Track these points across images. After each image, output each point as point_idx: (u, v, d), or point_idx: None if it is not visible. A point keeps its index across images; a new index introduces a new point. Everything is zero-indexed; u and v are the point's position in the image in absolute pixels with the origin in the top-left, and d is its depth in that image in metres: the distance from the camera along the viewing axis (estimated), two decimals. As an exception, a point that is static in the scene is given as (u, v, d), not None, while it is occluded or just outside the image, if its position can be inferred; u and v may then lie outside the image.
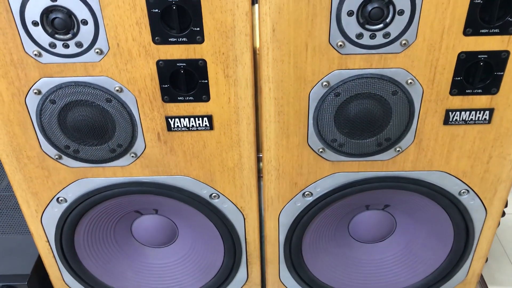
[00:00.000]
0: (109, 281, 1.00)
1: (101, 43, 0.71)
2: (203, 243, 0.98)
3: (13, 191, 0.89)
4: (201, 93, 0.76)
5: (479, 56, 0.72)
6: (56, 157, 0.82)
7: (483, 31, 0.69)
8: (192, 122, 0.79)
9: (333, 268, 1.01)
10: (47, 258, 0.97)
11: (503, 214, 0.94)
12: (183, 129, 0.79)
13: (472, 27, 0.69)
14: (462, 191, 0.86)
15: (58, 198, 0.87)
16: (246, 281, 1.01)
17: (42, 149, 0.81)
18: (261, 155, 0.85)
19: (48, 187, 0.86)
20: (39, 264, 1.02)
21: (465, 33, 0.70)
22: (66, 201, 0.87)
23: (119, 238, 0.99)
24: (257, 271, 1.00)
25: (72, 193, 0.87)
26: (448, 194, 0.86)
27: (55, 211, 0.89)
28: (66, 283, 1.00)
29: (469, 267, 0.98)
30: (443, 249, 0.96)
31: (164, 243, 1.01)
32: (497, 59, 0.72)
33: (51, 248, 0.94)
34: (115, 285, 1.01)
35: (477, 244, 0.94)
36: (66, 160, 0.82)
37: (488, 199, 0.87)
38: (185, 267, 1.02)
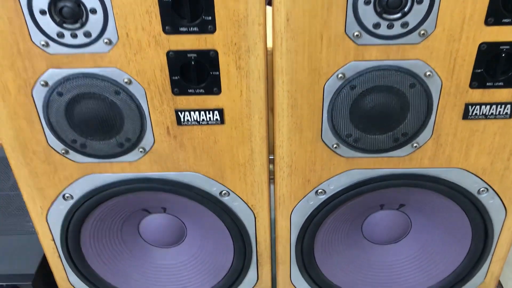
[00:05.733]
0: (115, 281, 0.98)
1: (110, 33, 0.69)
2: (212, 243, 0.95)
3: (18, 190, 0.87)
4: (212, 86, 0.73)
5: (501, 47, 0.69)
6: (63, 152, 0.80)
7: (505, 20, 0.66)
8: (203, 116, 0.76)
9: (346, 270, 0.98)
10: (52, 258, 0.94)
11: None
12: (193, 123, 0.77)
13: (494, 16, 0.66)
14: (481, 189, 0.83)
15: (64, 195, 0.85)
16: (256, 283, 0.98)
17: (48, 143, 0.79)
18: (272, 157, 0.83)
19: (54, 183, 0.84)
20: (44, 264, 0.99)
21: (487, 23, 0.67)
22: (72, 198, 0.85)
23: (126, 237, 0.97)
24: (268, 272, 0.97)
25: (78, 190, 0.84)
26: (467, 193, 0.83)
27: (61, 208, 0.86)
28: (71, 284, 0.98)
29: (487, 269, 0.95)
30: (460, 251, 0.93)
31: (172, 243, 0.99)
32: (519, 50, 0.69)
33: (56, 247, 0.92)
34: (122, 285, 0.98)
35: (496, 245, 0.91)
36: (73, 155, 0.80)
37: (509, 198, 0.84)
38: (193, 268, 0.99)
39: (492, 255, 0.92)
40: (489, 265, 0.94)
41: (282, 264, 0.95)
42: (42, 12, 0.67)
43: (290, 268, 0.95)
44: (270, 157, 0.83)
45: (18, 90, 0.73)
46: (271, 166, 0.84)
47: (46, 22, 0.67)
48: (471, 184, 0.83)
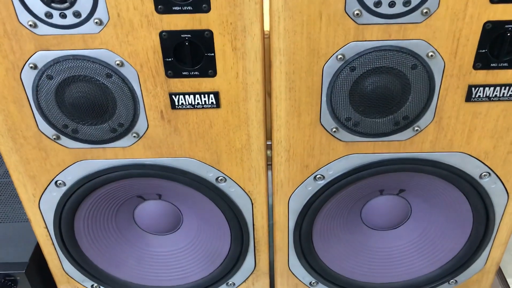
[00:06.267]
0: (111, 269, 0.96)
1: (100, 13, 0.66)
2: (208, 230, 0.94)
3: (10, 177, 0.84)
4: (207, 68, 0.71)
5: (507, 26, 0.66)
6: (54, 137, 0.77)
7: (511, -3, 0.64)
8: (198, 99, 0.74)
9: (345, 257, 0.97)
10: (45, 246, 0.92)
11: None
12: (188, 106, 0.75)
13: (499, -7, 0.64)
14: (483, 173, 0.81)
15: (56, 182, 0.83)
16: (253, 270, 0.96)
17: (39, 128, 0.77)
18: (269, 143, 0.81)
19: (46, 170, 0.82)
20: (37, 252, 0.97)
21: (492, 0, 0.64)
22: (65, 184, 0.83)
23: (120, 224, 0.95)
24: (265, 259, 0.95)
25: (71, 176, 0.82)
26: (468, 177, 0.82)
27: (54, 195, 0.84)
28: (65, 272, 0.96)
29: (488, 255, 0.93)
30: (461, 236, 0.92)
31: (168, 230, 0.97)
32: (525, 30, 0.67)
33: (49, 234, 0.90)
34: (117, 273, 0.97)
35: (497, 231, 0.89)
36: (64, 140, 0.78)
37: (511, 182, 0.83)
38: (190, 255, 0.98)
39: (493, 241, 0.91)
40: (490, 251, 0.93)
41: (280, 251, 0.93)
42: (29, -9, 0.64)
43: (288, 255, 0.94)
44: (267, 143, 0.81)
45: (6, 72, 0.71)
46: (268, 152, 0.82)
47: (34, 1, 0.65)
48: (473, 169, 0.81)
